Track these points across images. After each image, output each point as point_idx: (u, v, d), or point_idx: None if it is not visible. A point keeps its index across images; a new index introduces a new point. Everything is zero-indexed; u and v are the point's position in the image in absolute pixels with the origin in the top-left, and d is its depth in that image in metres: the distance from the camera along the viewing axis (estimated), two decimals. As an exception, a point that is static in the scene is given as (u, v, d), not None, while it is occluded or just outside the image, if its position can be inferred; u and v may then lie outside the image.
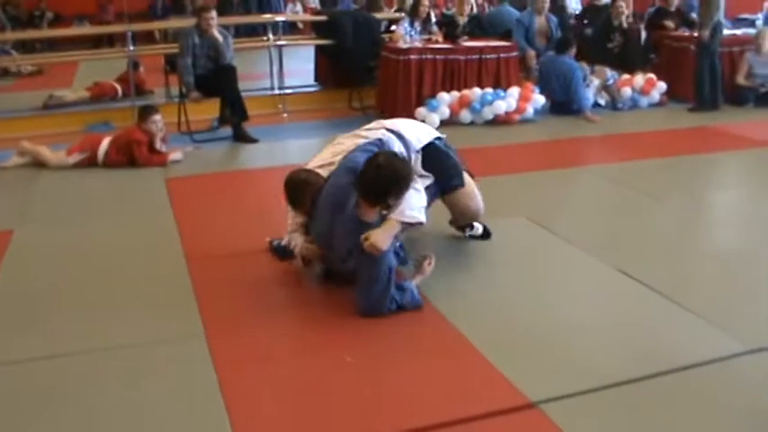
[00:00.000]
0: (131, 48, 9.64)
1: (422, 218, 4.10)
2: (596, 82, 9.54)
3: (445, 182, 4.70)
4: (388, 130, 4.60)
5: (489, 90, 8.86)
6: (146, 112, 7.41)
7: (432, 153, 4.64)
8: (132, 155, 7.18)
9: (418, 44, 9.21)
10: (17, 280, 4.72)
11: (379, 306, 4.00)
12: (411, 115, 8.39)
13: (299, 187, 4.40)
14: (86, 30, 15.06)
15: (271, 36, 9.98)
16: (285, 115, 9.61)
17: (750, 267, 4.67)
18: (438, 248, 4.75)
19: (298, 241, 4.52)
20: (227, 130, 8.38)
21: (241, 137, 8.17)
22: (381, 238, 3.93)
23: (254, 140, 8.14)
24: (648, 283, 4.38)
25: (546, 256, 4.94)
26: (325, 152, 4.71)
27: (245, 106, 8.24)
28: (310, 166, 4.61)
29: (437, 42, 9.42)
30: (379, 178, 3.93)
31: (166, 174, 6.98)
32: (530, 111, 8.87)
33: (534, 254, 4.95)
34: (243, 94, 8.31)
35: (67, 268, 4.88)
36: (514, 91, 8.87)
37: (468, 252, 4.96)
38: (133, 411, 3.32)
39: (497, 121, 8.71)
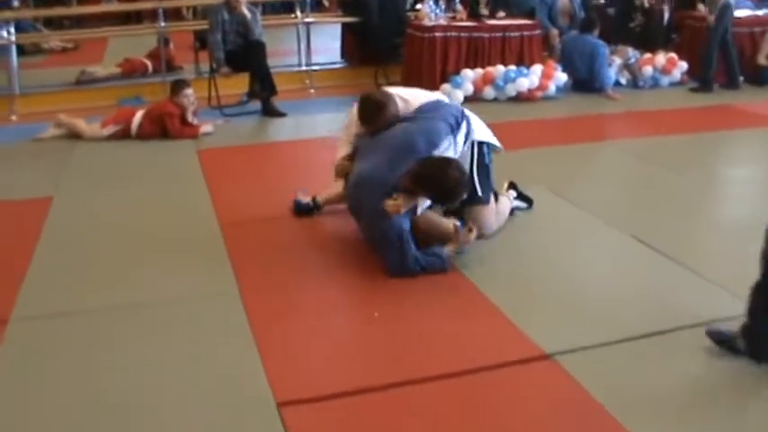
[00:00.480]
0: (162, 24, 9.84)
1: None
2: (618, 61, 9.64)
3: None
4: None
5: (512, 67, 9.00)
6: (178, 86, 7.62)
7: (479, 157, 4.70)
8: (165, 127, 7.40)
9: (443, 22, 9.35)
10: (58, 242, 4.96)
11: (402, 266, 4.20)
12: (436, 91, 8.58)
13: (378, 108, 4.59)
14: (116, 6, 15.23)
15: (299, 13, 10.19)
16: (312, 91, 9.80)
17: (761, 238, 4.80)
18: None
19: (342, 152, 4.79)
20: (256, 105, 8.56)
21: (270, 111, 8.36)
22: (404, 204, 4.13)
23: (282, 114, 8.33)
24: (663, 250, 4.55)
25: (564, 223, 5.13)
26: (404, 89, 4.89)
27: (274, 81, 8.43)
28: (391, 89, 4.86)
29: (461, 20, 9.56)
30: (450, 191, 4.19)
31: (198, 145, 7.19)
32: (552, 88, 9.00)
33: (553, 221, 5.14)
34: (271, 69, 8.49)
35: (105, 232, 5.11)
36: (537, 68, 9.00)
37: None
38: (172, 358, 3.57)
39: (520, 98, 8.86)
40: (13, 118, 8.70)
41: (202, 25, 9.44)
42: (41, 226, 5.20)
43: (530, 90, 8.87)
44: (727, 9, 9.24)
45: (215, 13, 8.35)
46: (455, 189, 4.18)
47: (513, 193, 5.24)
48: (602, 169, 6.59)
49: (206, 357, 3.55)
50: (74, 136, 7.51)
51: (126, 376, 3.42)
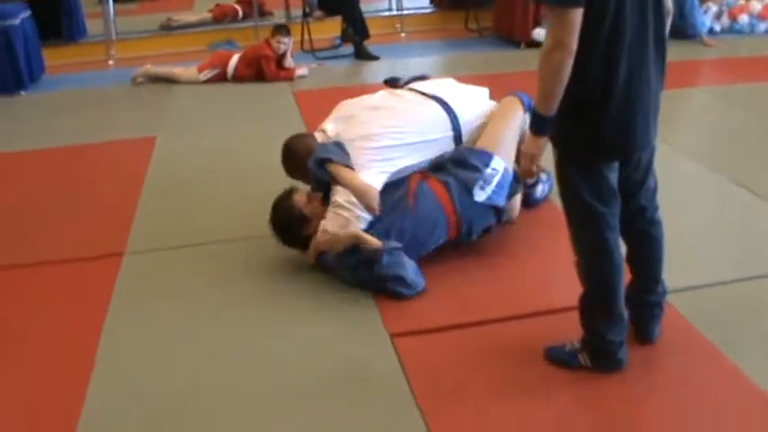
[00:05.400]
0: (253, -31, 9.86)
1: None
2: (714, 7, 9.34)
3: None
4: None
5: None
6: (277, 31, 7.64)
7: None
8: (261, 70, 7.44)
9: (536, -37, 9.17)
10: (164, 179, 5.05)
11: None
12: (527, 35, 8.44)
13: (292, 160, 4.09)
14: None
15: (389, -43, 10.10)
16: (403, 35, 9.72)
17: None
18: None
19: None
20: (348, 48, 8.56)
21: (362, 54, 8.33)
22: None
23: (375, 58, 8.29)
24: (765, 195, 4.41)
25: (664, 167, 4.97)
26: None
27: (366, 25, 8.39)
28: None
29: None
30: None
31: (293, 87, 7.22)
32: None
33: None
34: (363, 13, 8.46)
35: (209, 169, 5.18)
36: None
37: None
38: (285, 287, 3.62)
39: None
40: (111, 63, 8.87)
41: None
42: (148, 163, 5.31)
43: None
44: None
45: (308, -44, 8.33)
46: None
47: None
48: (698, 114, 6.38)
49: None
50: (170, 81, 7.60)
51: (239, 311, 3.48)
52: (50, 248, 4.13)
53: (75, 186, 5.04)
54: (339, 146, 3.77)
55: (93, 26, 9.62)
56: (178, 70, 7.66)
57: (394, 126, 3.84)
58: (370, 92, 4.46)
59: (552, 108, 2.43)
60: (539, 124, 2.51)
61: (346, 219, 3.56)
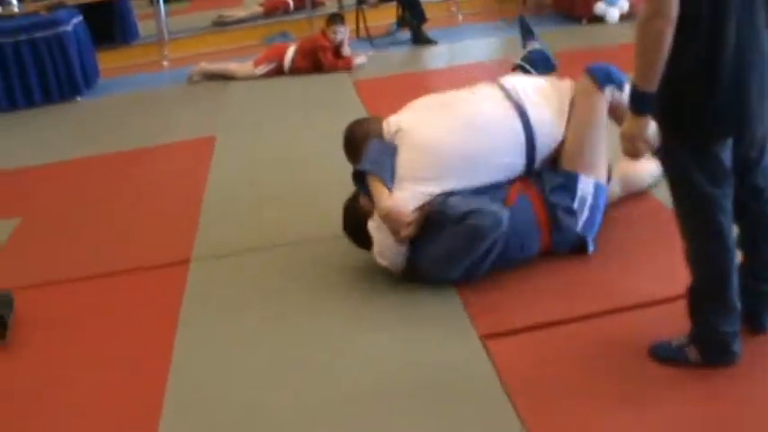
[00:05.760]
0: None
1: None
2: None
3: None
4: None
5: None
6: (332, 20, 7.48)
7: None
8: (318, 61, 7.28)
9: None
10: (226, 180, 4.88)
11: None
12: (589, 11, 8.13)
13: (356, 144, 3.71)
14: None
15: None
16: (460, 17, 9.48)
17: None
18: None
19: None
20: (405, 34, 8.34)
21: (420, 39, 8.10)
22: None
23: (433, 42, 8.06)
24: None
25: None
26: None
27: (423, 9, 8.16)
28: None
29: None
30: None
31: (353, 77, 7.04)
32: None
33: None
34: (419, -2, 8.23)
35: (273, 167, 5.01)
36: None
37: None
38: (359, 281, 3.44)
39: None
40: (165, 63, 8.78)
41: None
42: (209, 164, 5.16)
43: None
44: None
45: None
46: None
47: None
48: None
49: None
50: (226, 78, 7.47)
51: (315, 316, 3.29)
52: (118, 258, 3.99)
53: (138, 192, 4.92)
54: (386, 151, 3.41)
55: (145, 27, 9.59)
56: (233, 66, 7.53)
57: (455, 142, 3.37)
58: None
59: (653, 83, 2.21)
60: (639, 101, 2.28)
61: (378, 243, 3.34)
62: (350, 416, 2.62)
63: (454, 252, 3.22)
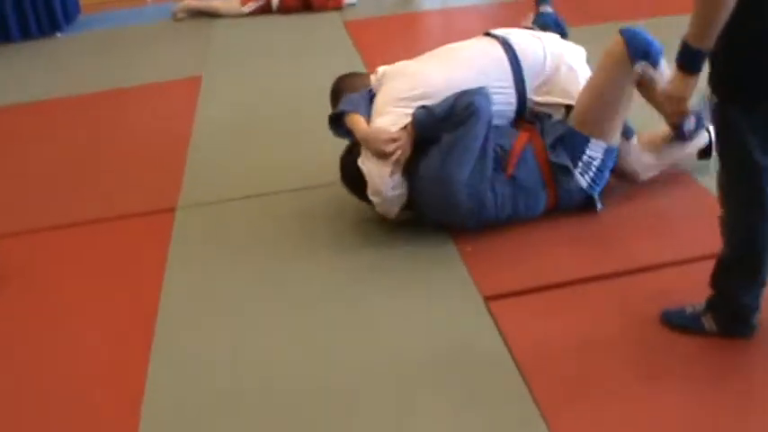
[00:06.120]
0: None
1: None
2: None
3: None
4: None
5: None
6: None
7: None
8: (307, -1, 7.02)
9: None
10: (214, 125, 4.67)
11: None
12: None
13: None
14: None
15: None
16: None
17: None
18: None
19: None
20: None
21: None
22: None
23: (427, -19, 7.80)
24: None
25: None
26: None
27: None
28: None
29: None
30: None
31: (343, 17, 6.79)
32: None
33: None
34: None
35: (262, 111, 4.81)
36: None
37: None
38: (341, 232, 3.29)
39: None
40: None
41: None
42: (195, 105, 4.95)
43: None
44: None
45: None
46: None
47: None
48: None
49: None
50: (211, 15, 7.20)
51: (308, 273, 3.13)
52: (99, 205, 3.82)
53: (122, 134, 4.69)
54: (363, 97, 3.35)
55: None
56: (220, 4, 7.25)
57: (441, 69, 3.34)
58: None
59: (710, 40, 2.03)
60: (691, 59, 2.09)
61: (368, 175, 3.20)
62: (353, 390, 2.46)
63: (454, 146, 3.09)
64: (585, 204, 3.27)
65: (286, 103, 4.87)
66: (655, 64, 3.08)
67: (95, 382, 2.62)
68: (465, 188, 3.08)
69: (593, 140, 3.20)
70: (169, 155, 4.27)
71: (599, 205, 3.27)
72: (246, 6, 7.10)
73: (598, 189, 3.27)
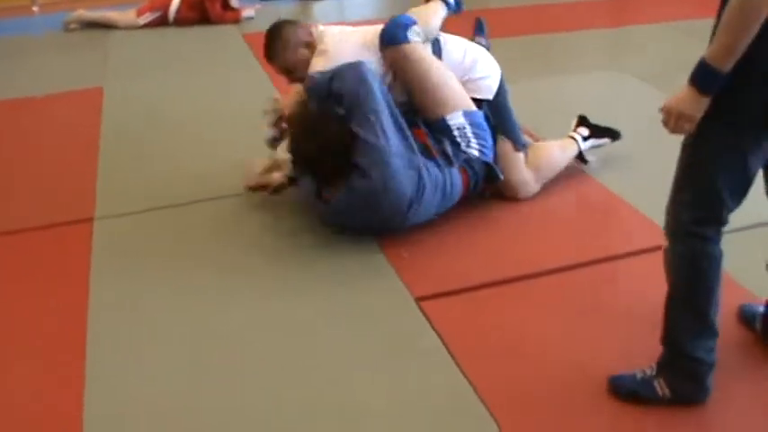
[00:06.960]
0: None
1: None
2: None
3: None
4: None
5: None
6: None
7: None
8: (205, 12, 7.03)
9: None
10: (120, 134, 4.64)
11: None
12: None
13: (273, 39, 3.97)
14: None
15: None
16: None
17: None
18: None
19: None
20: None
21: (308, -7, 7.96)
22: None
23: (321, -6, 7.94)
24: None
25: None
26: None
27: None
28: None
29: None
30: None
31: (242, 30, 6.84)
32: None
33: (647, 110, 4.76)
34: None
35: (167, 122, 4.81)
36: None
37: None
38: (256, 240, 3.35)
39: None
40: (35, 9, 8.26)
41: None
42: (100, 116, 4.91)
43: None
44: None
45: None
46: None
47: (583, 132, 3.91)
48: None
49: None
50: (106, 26, 7.11)
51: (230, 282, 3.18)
52: (16, 216, 3.76)
53: (26, 146, 4.62)
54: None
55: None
56: (114, 14, 7.15)
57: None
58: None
59: (730, 63, 1.98)
60: (708, 80, 2.02)
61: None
62: (293, 396, 2.52)
63: (359, 107, 3.21)
64: (490, 178, 3.49)
65: (193, 113, 4.89)
66: (411, 26, 3.46)
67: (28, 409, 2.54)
68: (400, 159, 3.16)
69: (446, 117, 3.42)
70: (79, 165, 4.23)
71: (501, 176, 3.50)
72: (142, 18, 7.04)
73: (490, 153, 3.47)
